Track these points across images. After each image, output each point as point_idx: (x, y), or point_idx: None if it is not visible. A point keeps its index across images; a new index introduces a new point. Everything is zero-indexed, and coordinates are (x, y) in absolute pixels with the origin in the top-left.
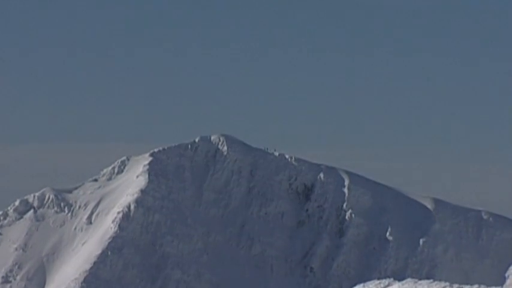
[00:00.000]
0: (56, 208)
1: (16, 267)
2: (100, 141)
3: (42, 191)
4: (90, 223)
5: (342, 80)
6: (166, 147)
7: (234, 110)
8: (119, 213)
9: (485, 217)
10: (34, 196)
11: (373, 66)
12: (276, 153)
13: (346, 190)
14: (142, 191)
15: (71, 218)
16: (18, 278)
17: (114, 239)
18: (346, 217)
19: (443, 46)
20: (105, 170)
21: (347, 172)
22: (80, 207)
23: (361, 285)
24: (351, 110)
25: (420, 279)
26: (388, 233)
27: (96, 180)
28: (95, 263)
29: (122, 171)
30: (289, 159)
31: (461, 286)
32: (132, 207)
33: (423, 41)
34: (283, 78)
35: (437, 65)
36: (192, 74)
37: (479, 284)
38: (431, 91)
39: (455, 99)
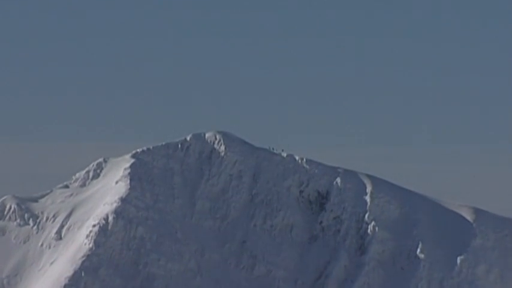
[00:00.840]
0: (18, 220)
1: None
2: (72, 140)
3: (2, 199)
4: (60, 238)
5: (364, 65)
6: (151, 147)
7: (232, 103)
8: (94, 226)
9: None
10: None
11: (410, 55)
12: (284, 154)
13: (368, 198)
14: (122, 200)
15: (37, 232)
16: None
17: (89, 257)
18: (369, 230)
19: (479, 47)
20: (77, 175)
21: (369, 176)
22: (47, 219)
23: None
24: (373, 103)
25: None
26: (419, 250)
27: (67, 186)
28: (65, 286)
29: (98, 175)
30: (300, 161)
31: None
32: (110, 219)
33: (455, 38)
34: (292, 64)
35: (478, 64)
36: (181, 61)
37: None
38: (469, 85)
39: (497, 96)
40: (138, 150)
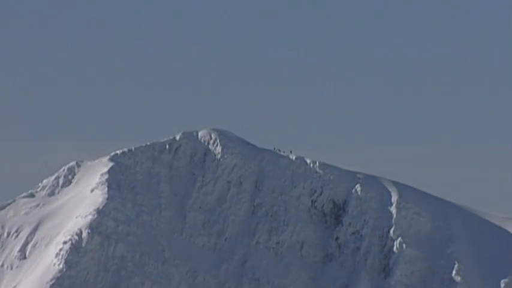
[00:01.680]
0: None
1: None
2: (39, 140)
3: None
4: (24, 257)
5: (386, 56)
6: (133, 148)
7: (230, 96)
8: (65, 243)
9: None
10: None
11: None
12: (292, 157)
13: (393, 209)
14: (99, 212)
15: None
16: None
17: (59, 280)
18: (395, 248)
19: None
20: (45, 181)
21: (395, 183)
22: (9, 234)
23: None
24: (398, 98)
25: None
26: (454, 272)
27: (32, 195)
28: None
29: (70, 182)
30: (311, 165)
31: None
32: (84, 234)
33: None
34: (300, 54)
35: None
36: (170, 49)
37: None
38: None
39: None
40: (118, 151)
